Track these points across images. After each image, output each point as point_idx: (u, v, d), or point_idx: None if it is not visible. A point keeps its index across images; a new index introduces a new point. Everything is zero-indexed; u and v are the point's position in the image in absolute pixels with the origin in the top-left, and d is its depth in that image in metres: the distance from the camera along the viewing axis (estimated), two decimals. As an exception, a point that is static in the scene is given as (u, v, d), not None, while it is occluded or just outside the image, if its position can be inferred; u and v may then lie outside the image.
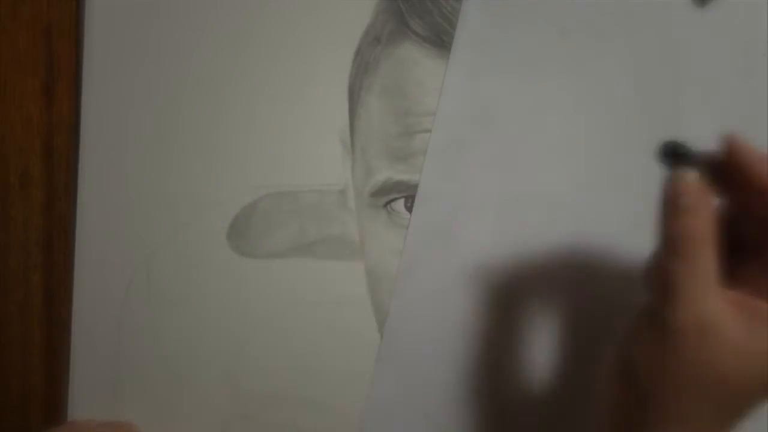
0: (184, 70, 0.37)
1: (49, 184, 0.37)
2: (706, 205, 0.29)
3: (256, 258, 0.38)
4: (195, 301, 0.38)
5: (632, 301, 0.32)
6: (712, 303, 0.28)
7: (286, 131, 0.38)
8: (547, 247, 0.40)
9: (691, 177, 0.29)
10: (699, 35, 0.40)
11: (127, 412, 0.38)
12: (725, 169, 0.30)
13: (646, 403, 0.29)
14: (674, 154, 0.30)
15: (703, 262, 0.28)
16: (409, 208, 0.39)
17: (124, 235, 0.38)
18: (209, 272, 0.38)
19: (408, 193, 0.39)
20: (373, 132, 0.39)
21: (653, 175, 0.39)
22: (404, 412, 0.39)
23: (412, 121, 0.39)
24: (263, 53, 0.38)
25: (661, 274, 0.29)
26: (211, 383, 0.38)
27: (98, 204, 0.37)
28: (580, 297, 0.40)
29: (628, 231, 0.40)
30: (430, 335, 0.40)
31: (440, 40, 0.38)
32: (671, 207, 0.29)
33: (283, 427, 0.39)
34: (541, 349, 0.40)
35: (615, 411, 0.31)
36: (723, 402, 0.28)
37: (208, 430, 0.39)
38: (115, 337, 0.38)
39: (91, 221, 0.37)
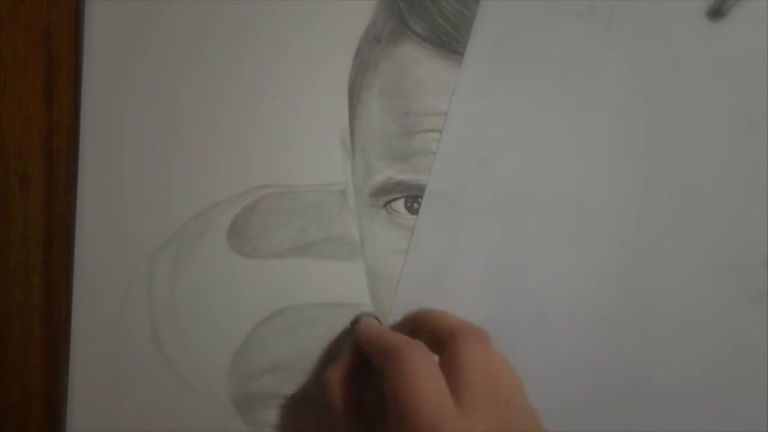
0: (184, 69, 0.37)
1: (49, 184, 0.37)
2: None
3: (256, 258, 0.38)
4: (195, 301, 0.38)
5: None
6: None
7: (287, 131, 0.38)
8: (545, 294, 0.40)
9: None
10: (700, 80, 0.40)
11: (127, 412, 0.38)
12: None
13: None
14: None
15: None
16: (409, 208, 0.39)
17: (124, 235, 0.38)
18: (209, 272, 0.38)
19: (408, 193, 0.39)
20: (373, 132, 0.39)
21: (654, 229, 0.39)
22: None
23: (412, 121, 0.39)
24: (263, 53, 0.38)
25: None
26: (211, 383, 0.38)
27: (98, 204, 0.37)
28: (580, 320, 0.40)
29: (626, 275, 0.40)
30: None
31: (440, 40, 0.38)
32: None
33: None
34: (540, 356, 0.40)
35: None
36: None
37: (208, 430, 0.39)
38: (115, 337, 0.38)
39: (91, 221, 0.37)
